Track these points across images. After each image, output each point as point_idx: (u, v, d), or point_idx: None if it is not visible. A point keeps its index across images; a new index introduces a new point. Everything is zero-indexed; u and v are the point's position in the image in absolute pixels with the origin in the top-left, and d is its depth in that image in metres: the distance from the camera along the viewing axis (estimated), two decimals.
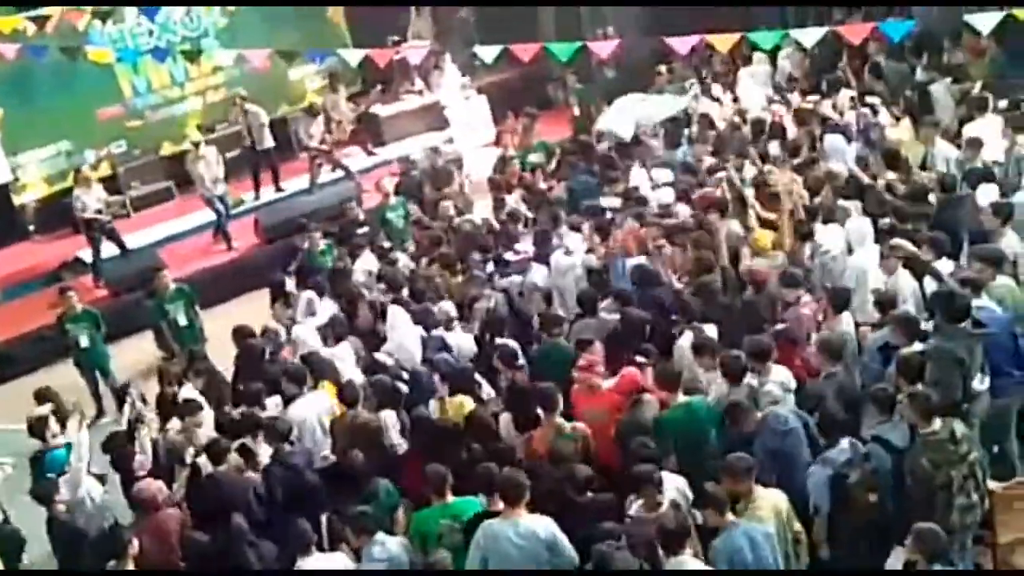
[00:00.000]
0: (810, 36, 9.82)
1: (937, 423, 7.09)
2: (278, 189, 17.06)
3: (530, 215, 12.69)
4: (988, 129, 11.50)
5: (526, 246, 11.34)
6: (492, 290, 10.77)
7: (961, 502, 7.08)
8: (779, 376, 8.13)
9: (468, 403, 8.84)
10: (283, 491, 8.30)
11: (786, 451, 7.46)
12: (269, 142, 16.73)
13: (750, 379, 8.06)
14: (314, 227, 13.21)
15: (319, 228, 13.26)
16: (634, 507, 7.17)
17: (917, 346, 7.95)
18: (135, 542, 7.78)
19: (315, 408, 9.14)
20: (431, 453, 8.16)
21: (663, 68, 15.84)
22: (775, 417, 7.57)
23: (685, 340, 8.90)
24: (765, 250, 10.28)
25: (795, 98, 14.18)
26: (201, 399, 9.67)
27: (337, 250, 12.92)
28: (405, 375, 9.51)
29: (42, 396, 10.08)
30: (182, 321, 12.29)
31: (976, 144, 11.04)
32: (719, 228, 10.41)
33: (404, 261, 12.17)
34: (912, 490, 7.06)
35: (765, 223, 10.60)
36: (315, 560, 7.33)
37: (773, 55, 15.16)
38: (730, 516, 6.70)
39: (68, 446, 9.41)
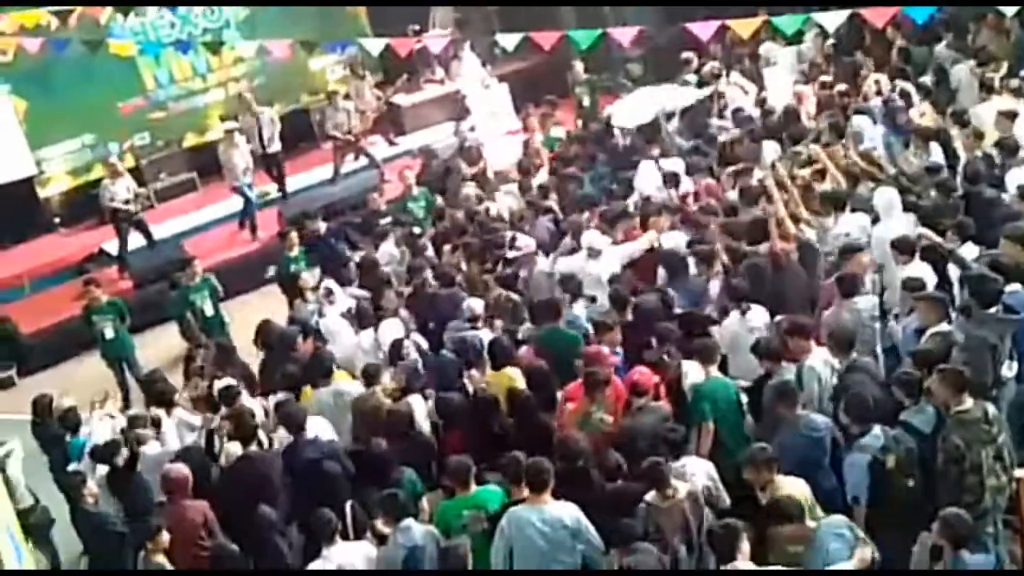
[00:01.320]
0: (832, 19, 9.75)
1: (969, 401, 7.06)
2: (281, 190, 16.88)
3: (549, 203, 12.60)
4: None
5: (527, 240, 11.23)
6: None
7: (992, 483, 7.06)
8: (824, 354, 8.09)
9: (516, 375, 8.88)
10: (304, 479, 8.33)
11: (811, 457, 7.39)
12: (277, 144, 16.53)
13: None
14: (289, 230, 13.33)
15: (293, 229, 13.31)
16: (650, 494, 7.13)
17: (943, 327, 7.95)
18: (165, 533, 7.82)
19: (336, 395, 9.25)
20: (468, 428, 8.33)
21: (692, 55, 15.73)
22: (809, 422, 7.51)
23: (732, 321, 8.95)
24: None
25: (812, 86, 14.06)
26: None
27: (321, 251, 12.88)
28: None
29: (45, 404, 10.17)
30: (208, 311, 12.35)
31: (978, 136, 10.91)
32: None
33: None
34: (943, 469, 7.02)
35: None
36: (340, 549, 7.33)
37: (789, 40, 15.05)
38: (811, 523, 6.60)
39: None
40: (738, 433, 8.04)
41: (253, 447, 8.61)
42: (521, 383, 8.72)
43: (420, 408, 8.89)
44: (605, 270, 10.23)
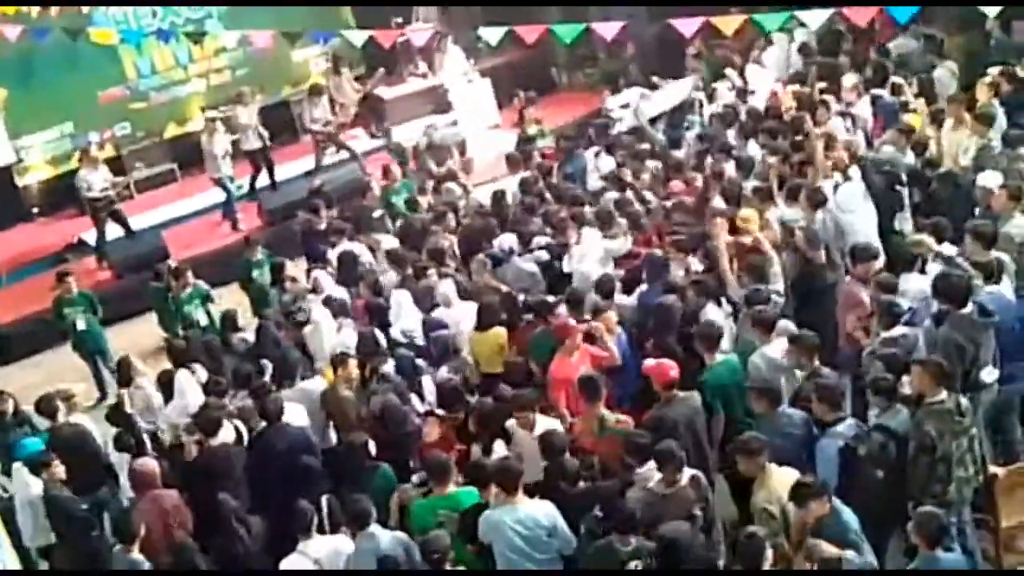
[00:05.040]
0: (815, 17, 9.77)
1: (944, 393, 7.13)
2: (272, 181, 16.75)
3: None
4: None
5: (508, 239, 11.17)
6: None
7: (960, 475, 7.16)
8: (778, 348, 8.18)
9: (502, 333, 9.18)
10: (276, 471, 8.29)
11: (789, 455, 7.31)
12: (266, 137, 16.39)
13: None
14: (254, 239, 13.14)
15: (259, 239, 13.16)
16: (653, 481, 7.13)
17: (898, 330, 8.02)
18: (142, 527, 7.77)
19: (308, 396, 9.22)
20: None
21: (694, 50, 15.76)
22: (789, 420, 7.53)
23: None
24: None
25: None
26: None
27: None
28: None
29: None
30: (203, 321, 12.19)
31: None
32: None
33: (388, 243, 12.07)
34: (914, 457, 7.07)
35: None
36: (316, 543, 7.29)
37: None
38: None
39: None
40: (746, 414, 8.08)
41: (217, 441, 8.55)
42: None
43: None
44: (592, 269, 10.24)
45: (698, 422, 7.91)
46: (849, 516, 6.53)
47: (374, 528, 7.17)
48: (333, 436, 9.21)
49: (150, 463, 8.41)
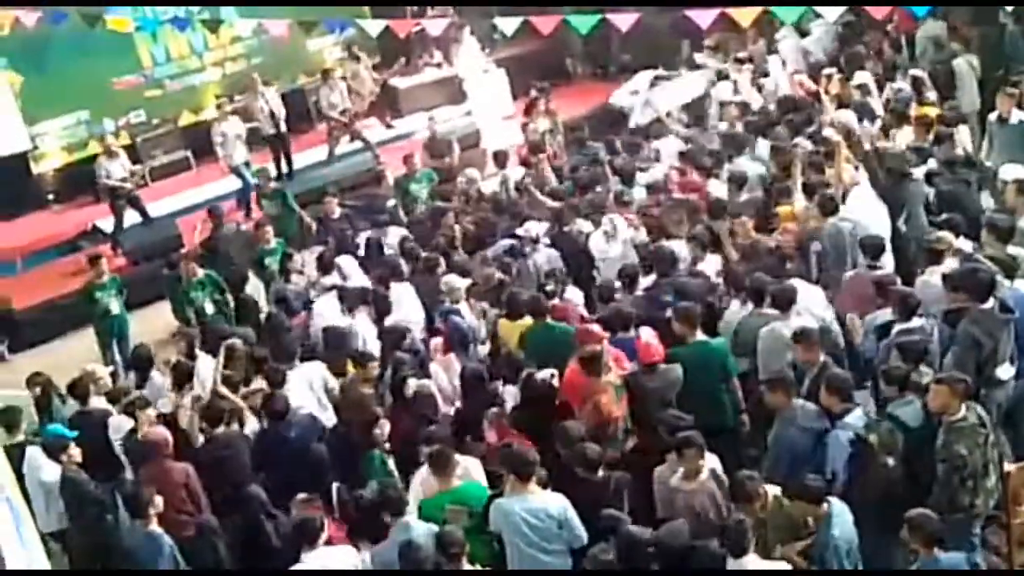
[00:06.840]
0: (833, 9, 9.70)
1: (963, 409, 7.06)
2: (289, 169, 16.79)
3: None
4: None
5: (532, 225, 11.18)
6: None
7: (987, 485, 7.13)
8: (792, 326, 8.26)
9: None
10: (286, 461, 8.30)
11: (805, 452, 7.37)
12: (283, 125, 16.46)
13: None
14: (263, 223, 13.05)
15: (268, 224, 13.01)
16: (675, 477, 7.14)
17: (916, 322, 7.99)
18: (158, 500, 7.69)
19: (307, 377, 9.20)
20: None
21: (708, 42, 15.73)
22: (807, 413, 7.51)
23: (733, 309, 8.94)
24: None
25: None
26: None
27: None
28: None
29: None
30: (209, 309, 12.14)
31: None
32: None
33: (394, 235, 12.08)
34: (944, 478, 7.01)
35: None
36: (318, 555, 7.07)
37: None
38: None
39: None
40: (715, 399, 8.21)
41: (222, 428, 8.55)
42: None
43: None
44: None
45: (671, 395, 8.05)
46: (841, 532, 6.51)
47: (409, 518, 7.08)
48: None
49: (160, 431, 8.39)
